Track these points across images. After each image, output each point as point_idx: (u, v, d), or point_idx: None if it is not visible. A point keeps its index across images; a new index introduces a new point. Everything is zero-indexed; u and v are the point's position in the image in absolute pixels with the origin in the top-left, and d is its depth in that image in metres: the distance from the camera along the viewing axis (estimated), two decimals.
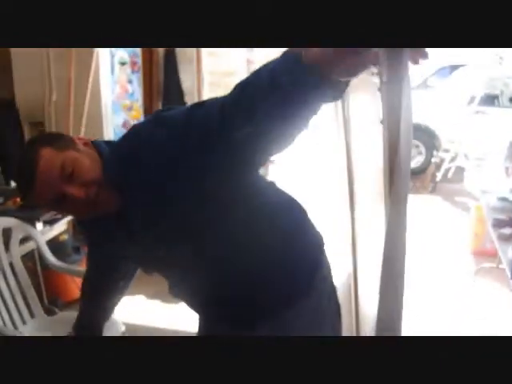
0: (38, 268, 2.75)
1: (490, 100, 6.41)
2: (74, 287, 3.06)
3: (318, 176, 2.45)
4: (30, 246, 2.54)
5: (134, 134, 1.12)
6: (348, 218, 2.17)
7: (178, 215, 1.07)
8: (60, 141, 1.10)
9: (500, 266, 3.26)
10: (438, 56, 6.61)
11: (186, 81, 4.22)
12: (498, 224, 2.95)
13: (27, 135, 3.90)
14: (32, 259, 2.71)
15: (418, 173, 6.17)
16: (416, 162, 6.43)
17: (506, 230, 2.82)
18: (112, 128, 3.88)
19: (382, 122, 0.97)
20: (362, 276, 2.21)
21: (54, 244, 2.76)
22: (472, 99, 6.10)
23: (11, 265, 2.31)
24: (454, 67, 6.86)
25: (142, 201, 1.08)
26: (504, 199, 3.29)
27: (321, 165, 2.38)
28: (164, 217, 1.08)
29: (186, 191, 1.03)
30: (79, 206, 1.08)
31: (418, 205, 4.92)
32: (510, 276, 2.43)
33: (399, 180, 0.88)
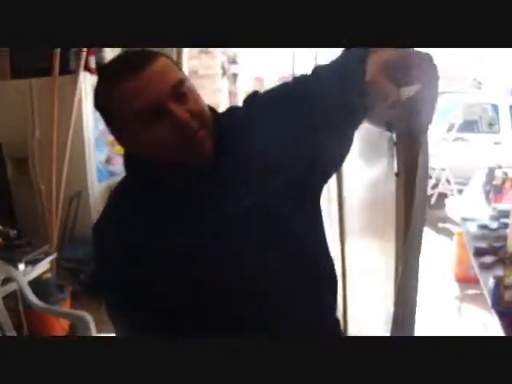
0: (21, 308, 2.72)
1: (469, 126, 6.54)
2: (58, 327, 3.02)
3: None
4: (11, 286, 2.52)
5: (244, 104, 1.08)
6: (338, 253, 2.18)
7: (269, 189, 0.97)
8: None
9: (484, 293, 3.29)
10: None
11: None
12: (479, 252, 2.95)
13: (10, 171, 3.90)
14: (14, 299, 2.68)
15: None
16: None
17: (487, 259, 2.83)
18: (95, 164, 3.91)
19: (397, 174, 0.98)
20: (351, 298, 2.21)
21: (37, 283, 2.75)
22: (451, 126, 6.22)
23: None
24: None
25: (242, 163, 0.95)
26: (484, 227, 3.31)
27: None
28: (261, 185, 0.96)
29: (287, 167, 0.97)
30: (171, 134, 0.88)
31: None
32: (490, 305, 2.45)
33: (414, 233, 0.91)
